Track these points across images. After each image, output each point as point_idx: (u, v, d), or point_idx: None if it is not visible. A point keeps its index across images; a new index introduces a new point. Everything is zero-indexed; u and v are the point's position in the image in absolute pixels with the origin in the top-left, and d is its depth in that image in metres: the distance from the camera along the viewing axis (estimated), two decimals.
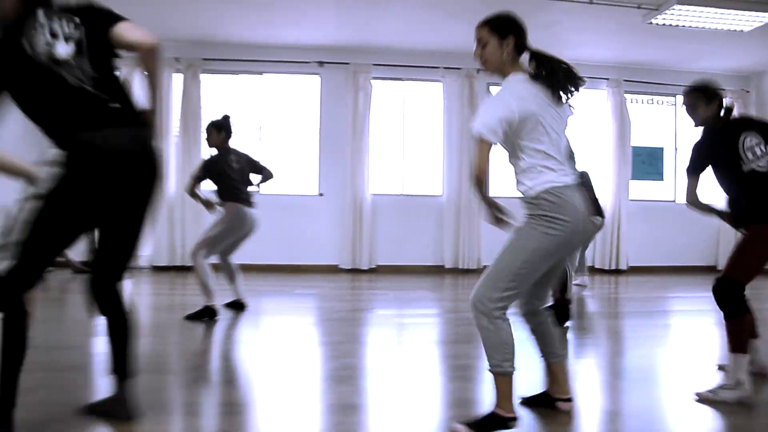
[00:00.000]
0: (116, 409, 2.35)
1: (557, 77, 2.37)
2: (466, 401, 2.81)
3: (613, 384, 3.21)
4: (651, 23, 6.58)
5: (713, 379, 3.02)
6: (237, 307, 4.94)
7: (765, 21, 6.46)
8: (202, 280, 4.60)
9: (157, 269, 7.91)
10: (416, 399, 2.81)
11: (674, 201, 9.00)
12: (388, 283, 7.28)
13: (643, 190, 8.96)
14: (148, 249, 7.74)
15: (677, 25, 6.63)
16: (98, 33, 2.11)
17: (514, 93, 2.34)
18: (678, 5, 6.07)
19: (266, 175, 5.04)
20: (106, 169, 2.07)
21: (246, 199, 4.83)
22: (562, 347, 2.63)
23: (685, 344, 4.26)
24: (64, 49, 2.04)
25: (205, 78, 8.05)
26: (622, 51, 8.00)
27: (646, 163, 8.94)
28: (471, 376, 3.28)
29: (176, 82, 7.97)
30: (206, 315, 4.55)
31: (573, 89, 2.40)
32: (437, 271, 8.37)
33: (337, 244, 8.24)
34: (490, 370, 2.31)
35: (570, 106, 2.48)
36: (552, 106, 2.37)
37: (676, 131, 9.10)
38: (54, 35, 2.04)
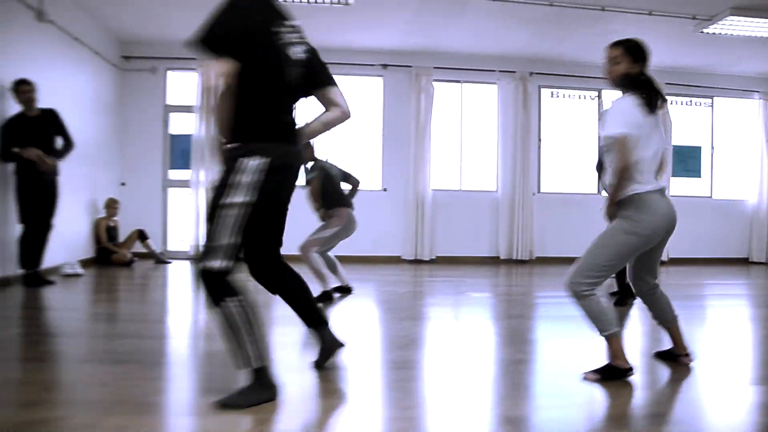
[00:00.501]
0: (330, 348, 2.91)
1: (656, 105, 2.87)
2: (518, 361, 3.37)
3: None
4: (702, 32, 7.18)
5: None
6: (345, 291, 5.51)
7: None
8: (316, 270, 5.15)
9: None
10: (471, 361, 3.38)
11: (710, 197, 9.62)
12: (447, 271, 7.87)
13: (682, 186, 9.56)
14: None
15: (727, 34, 7.23)
16: (317, 76, 2.69)
17: (634, 112, 2.82)
18: (731, 16, 6.68)
19: (354, 183, 5.63)
20: (295, 179, 2.60)
21: (350, 204, 5.44)
22: (672, 313, 3.13)
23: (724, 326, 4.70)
24: (298, 53, 2.53)
25: None
26: (669, 57, 8.57)
27: (685, 161, 9.53)
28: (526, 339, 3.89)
29: None
30: (325, 299, 5.12)
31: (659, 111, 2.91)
32: (493, 261, 8.96)
33: (400, 236, 8.82)
34: (601, 335, 2.84)
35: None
36: (649, 127, 2.85)
37: (712, 131, 9.71)
38: (292, 43, 2.50)
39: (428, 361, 3.35)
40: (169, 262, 8.01)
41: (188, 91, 8.38)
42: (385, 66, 8.74)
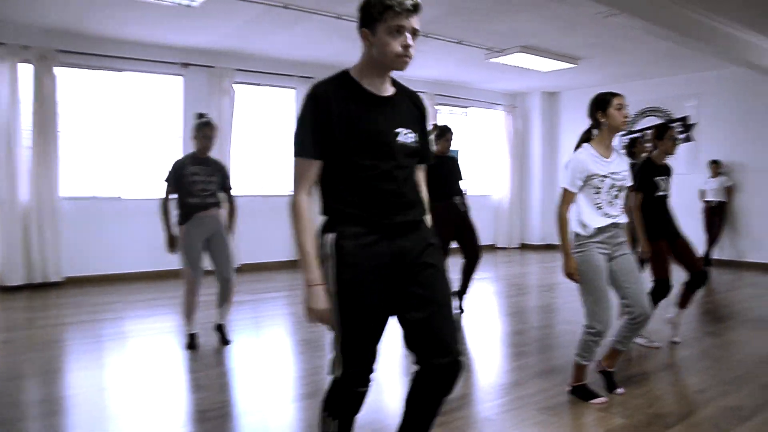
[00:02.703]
0: None
1: None
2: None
3: None
4: (489, 60, 8.35)
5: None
6: None
7: (560, 68, 8.71)
8: None
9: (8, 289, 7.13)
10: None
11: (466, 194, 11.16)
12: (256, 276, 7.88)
13: None
14: None
15: (506, 64, 8.53)
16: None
17: None
18: (519, 53, 7.93)
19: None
20: None
21: None
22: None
23: None
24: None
25: (59, 71, 7.37)
26: (446, 73, 9.71)
27: None
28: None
29: (26, 73, 7.17)
30: None
31: None
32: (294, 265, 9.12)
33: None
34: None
35: None
36: None
37: (467, 137, 11.25)
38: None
39: None
40: None
41: None
42: (185, 65, 8.11)
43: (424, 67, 9.31)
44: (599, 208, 3.31)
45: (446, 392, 2.09)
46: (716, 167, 9.38)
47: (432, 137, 5.68)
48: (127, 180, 8.00)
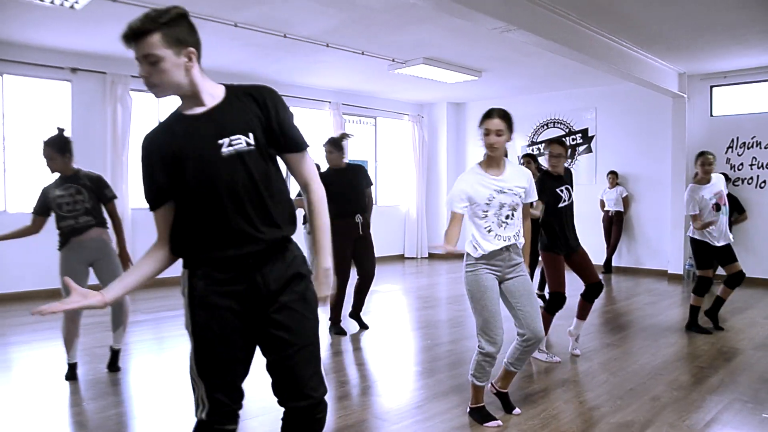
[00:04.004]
0: None
1: None
2: None
3: None
4: (393, 71, 8.29)
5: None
6: None
7: (464, 80, 8.78)
8: None
9: None
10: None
11: (375, 204, 11.04)
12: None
13: None
14: None
15: (410, 75, 8.49)
16: None
17: None
18: (422, 64, 7.90)
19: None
20: None
21: None
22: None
23: None
24: None
25: None
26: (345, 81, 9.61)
27: None
28: None
29: None
30: None
31: None
32: None
33: None
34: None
35: None
36: None
37: (376, 147, 11.16)
38: None
39: None
40: None
41: None
42: (74, 70, 7.59)
43: (328, 77, 9.16)
44: (489, 231, 3.21)
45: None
46: (614, 178, 9.72)
47: (325, 150, 5.51)
48: (12, 192, 7.39)
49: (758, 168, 8.63)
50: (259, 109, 1.89)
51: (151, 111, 8.42)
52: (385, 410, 3.65)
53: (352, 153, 10.66)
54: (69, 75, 7.61)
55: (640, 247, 9.75)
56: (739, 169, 8.78)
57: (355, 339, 5.48)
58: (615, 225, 9.66)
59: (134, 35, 1.73)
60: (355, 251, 5.57)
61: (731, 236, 5.56)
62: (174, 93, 1.84)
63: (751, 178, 8.69)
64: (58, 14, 5.97)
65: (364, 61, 7.97)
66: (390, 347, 5.27)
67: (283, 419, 1.99)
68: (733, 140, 8.82)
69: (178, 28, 1.78)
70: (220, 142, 1.82)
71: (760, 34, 6.73)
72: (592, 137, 10.16)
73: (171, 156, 1.83)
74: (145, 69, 1.77)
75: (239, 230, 1.84)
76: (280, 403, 1.96)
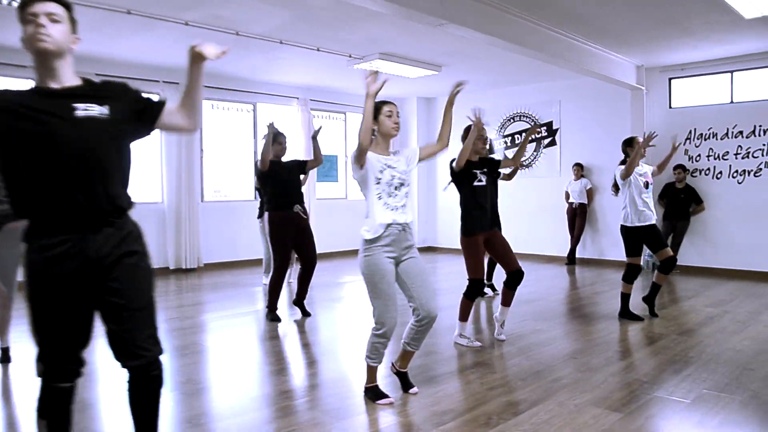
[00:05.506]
0: None
1: None
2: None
3: None
4: (352, 67, 8.41)
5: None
6: None
7: (426, 74, 8.90)
8: None
9: None
10: None
11: (346, 198, 11.22)
12: None
13: (323, 190, 10.90)
14: None
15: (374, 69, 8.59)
16: None
17: None
18: (378, 60, 8.03)
19: None
20: None
21: None
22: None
23: None
24: None
25: None
26: (309, 78, 9.74)
27: (325, 167, 10.87)
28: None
29: None
30: None
31: None
32: (163, 272, 8.88)
33: None
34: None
35: None
36: None
37: (346, 142, 11.29)
38: None
39: None
40: None
41: None
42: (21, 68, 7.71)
43: (291, 74, 9.28)
44: (379, 198, 3.38)
45: (150, 391, 2.18)
46: (579, 170, 9.83)
47: (264, 143, 5.61)
48: None
49: (715, 159, 8.74)
50: (117, 93, 2.16)
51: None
52: (283, 390, 3.80)
53: (323, 148, 10.77)
54: (20, 74, 7.72)
55: (604, 238, 9.86)
56: (696, 161, 8.89)
57: (300, 325, 5.64)
58: (579, 217, 9.78)
59: None
60: (296, 241, 5.72)
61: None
62: (53, 54, 2.00)
63: (708, 169, 8.80)
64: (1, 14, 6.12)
65: (322, 58, 8.09)
66: (330, 333, 5.41)
67: (127, 381, 2.17)
68: (691, 131, 8.92)
69: (75, 21, 2.10)
70: (75, 105, 2.02)
71: (704, 25, 6.82)
72: (557, 130, 10.27)
73: (18, 107, 1.97)
74: (44, 21, 1.97)
75: (77, 198, 2.01)
76: (121, 365, 2.14)
